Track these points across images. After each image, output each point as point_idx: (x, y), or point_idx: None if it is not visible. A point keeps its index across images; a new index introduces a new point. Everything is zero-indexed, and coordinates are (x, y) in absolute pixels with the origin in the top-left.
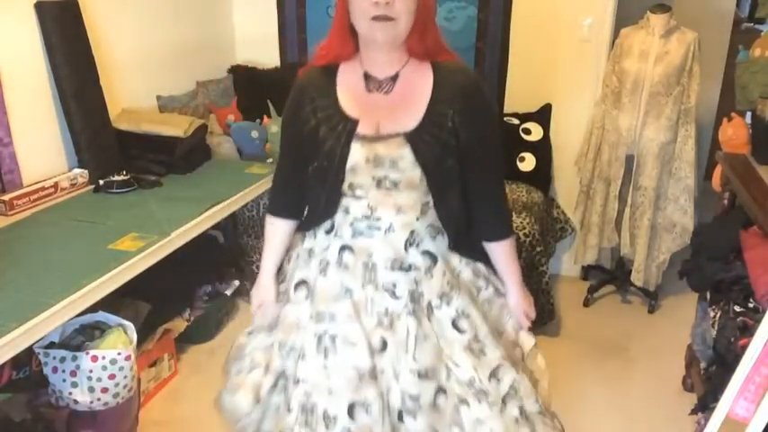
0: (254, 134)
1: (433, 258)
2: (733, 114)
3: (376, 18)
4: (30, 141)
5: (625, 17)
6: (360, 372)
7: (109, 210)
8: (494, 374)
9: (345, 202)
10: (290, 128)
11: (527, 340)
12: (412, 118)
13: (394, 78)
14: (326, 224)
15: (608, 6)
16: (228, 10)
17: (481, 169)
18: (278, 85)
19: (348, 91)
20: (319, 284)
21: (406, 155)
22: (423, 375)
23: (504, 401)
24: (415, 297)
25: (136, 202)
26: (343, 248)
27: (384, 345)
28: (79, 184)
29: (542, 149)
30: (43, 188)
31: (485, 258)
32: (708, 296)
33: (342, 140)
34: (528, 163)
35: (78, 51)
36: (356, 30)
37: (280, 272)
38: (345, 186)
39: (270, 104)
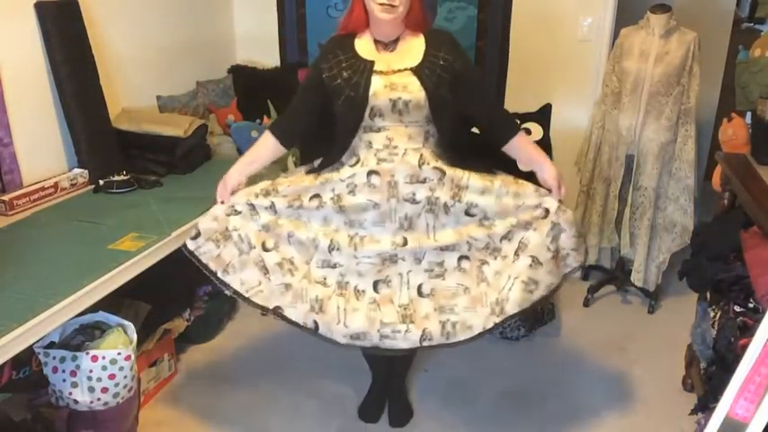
0: (254, 134)
1: (443, 172)
2: (733, 114)
3: (382, 4)
4: (30, 141)
5: (625, 17)
6: (382, 257)
7: (109, 210)
8: (505, 237)
9: (368, 137)
10: (313, 73)
11: (551, 203)
12: (414, 59)
13: (396, 41)
14: (352, 160)
15: (608, 6)
16: (228, 10)
17: (477, 89)
18: (278, 85)
19: (364, 49)
20: (348, 201)
21: (413, 81)
22: (444, 249)
23: (516, 254)
24: (431, 201)
25: (136, 202)
26: (370, 173)
27: (405, 242)
28: (79, 184)
29: (542, 149)
30: (43, 188)
31: (485, 167)
32: (708, 296)
33: (364, 75)
34: None
35: (78, 51)
36: (367, 9)
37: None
38: (368, 113)
39: (270, 104)
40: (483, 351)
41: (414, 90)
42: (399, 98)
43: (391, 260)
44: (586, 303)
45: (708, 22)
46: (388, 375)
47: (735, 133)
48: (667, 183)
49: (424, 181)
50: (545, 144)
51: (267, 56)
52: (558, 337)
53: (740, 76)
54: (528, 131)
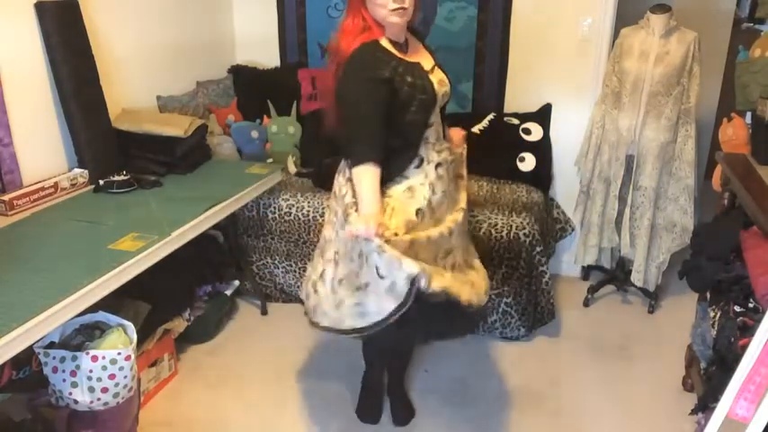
0: (254, 134)
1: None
2: (733, 114)
3: (395, 10)
4: (30, 141)
5: (625, 17)
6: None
7: (109, 210)
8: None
9: (425, 133)
10: (376, 86)
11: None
12: (428, 55)
13: (406, 41)
14: (416, 161)
15: (608, 6)
16: (228, 10)
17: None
18: (278, 85)
19: (396, 53)
20: (434, 201)
21: (443, 74)
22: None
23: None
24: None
25: (136, 202)
26: (437, 165)
27: (451, 232)
28: (79, 184)
29: (542, 149)
30: (43, 188)
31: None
32: (708, 296)
33: (425, 77)
34: (528, 163)
35: (78, 51)
36: (374, 17)
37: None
38: (437, 107)
39: (270, 104)
40: (483, 351)
41: (447, 83)
42: (446, 92)
43: (446, 252)
44: (586, 303)
45: (708, 22)
46: (384, 374)
47: (735, 133)
48: (667, 183)
49: (453, 162)
50: (545, 144)
51: (267, 56)
52: (558, 337)
53: (740, 76)
54: (528, 131)
